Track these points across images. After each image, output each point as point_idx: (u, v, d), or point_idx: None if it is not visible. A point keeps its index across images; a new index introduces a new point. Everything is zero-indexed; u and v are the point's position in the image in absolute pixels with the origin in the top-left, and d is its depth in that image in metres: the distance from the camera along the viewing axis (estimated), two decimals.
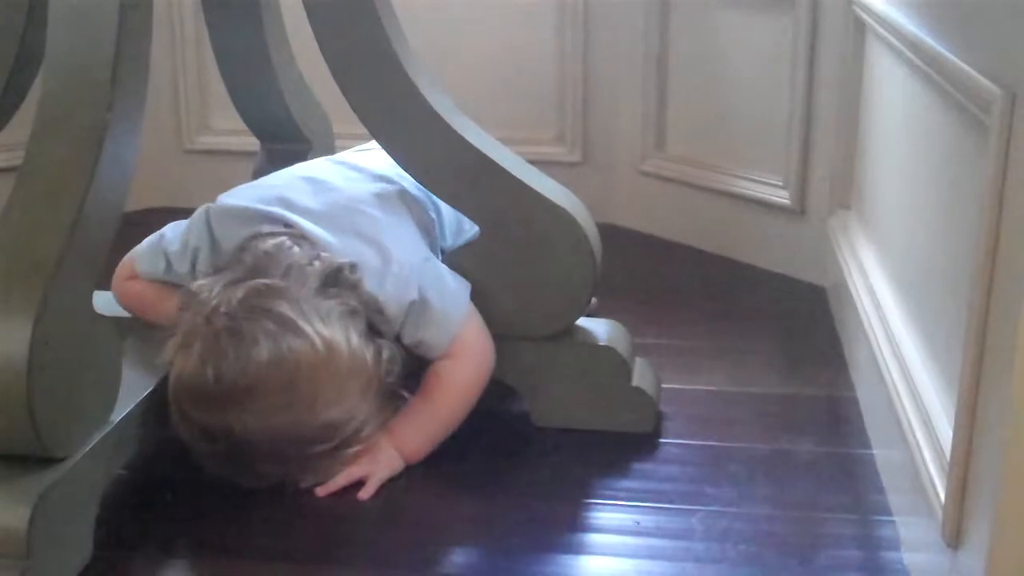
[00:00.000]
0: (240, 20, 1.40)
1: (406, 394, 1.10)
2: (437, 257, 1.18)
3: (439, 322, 1.11)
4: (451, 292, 1.13)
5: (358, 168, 1.23)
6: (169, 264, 1.15)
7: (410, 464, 1.11)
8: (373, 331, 1.07)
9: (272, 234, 1.10)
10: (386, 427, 1.09)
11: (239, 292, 1.03)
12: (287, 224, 1.11)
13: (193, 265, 1.13)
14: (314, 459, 1.05)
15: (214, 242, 1.13)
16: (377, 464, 1.08)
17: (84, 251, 0.91)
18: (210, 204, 1.16)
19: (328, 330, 1.02)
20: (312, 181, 1.18)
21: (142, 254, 1.17)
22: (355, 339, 1.04)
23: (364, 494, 1.06)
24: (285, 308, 1.02)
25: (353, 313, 1.06)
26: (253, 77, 1.43)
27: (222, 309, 1.02)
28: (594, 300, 1.47)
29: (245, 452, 1.02)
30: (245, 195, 1.17)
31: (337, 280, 1.06)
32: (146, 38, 0.97)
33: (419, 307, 1.10)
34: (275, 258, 1.07)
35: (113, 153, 0.92)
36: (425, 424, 1.12)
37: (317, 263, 1.07)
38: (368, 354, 1.05)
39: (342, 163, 1.25)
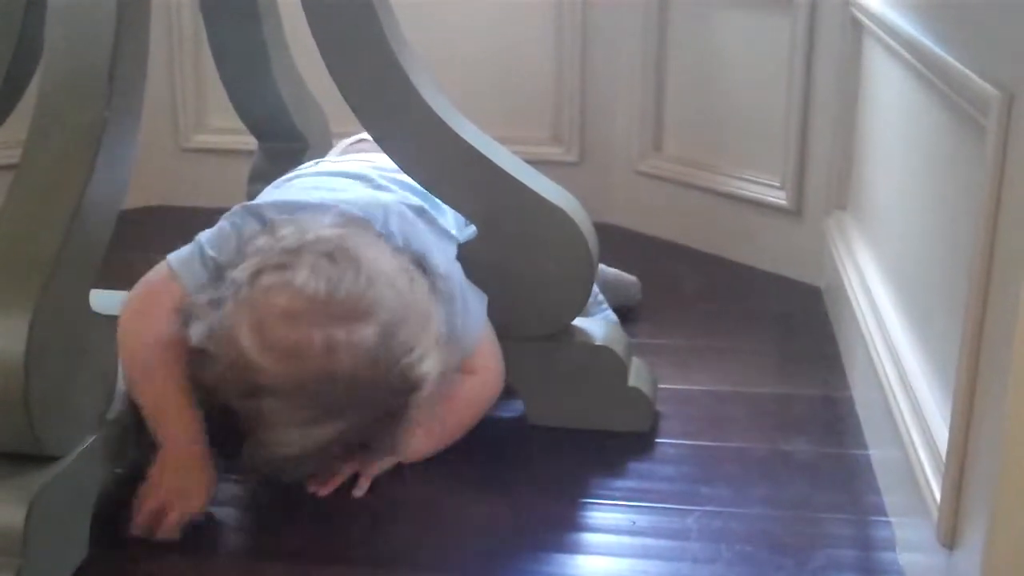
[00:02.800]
0: (238, 18, 1.40)
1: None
2: None
3: (459, 336, 1.09)
4: (473, 307, 1.13)
5: (361, 176, 1.20)
6: (216, 266, 1.04)
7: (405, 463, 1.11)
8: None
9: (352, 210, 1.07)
10: None
11: (350, 230, 1.00)
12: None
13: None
14: (376, 421, 0.99)
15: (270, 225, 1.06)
16: (370, 461, 1.07)
17: (81, 249, 0.91)
18: (243, 204, 1.10)
19: (425, 290, 1.01)
20: (334, 192, 1.15)
21: (182, 264, 1.05)
22: (442, 314, 1.02)
23: (359, 491, 1.06)
24: (393, 257, 1.00)
25: (434, 288, 1.03)
26: (251, 75, 1.43)
27: (336, 240, 0.98)
28: (635, 279, 1.50)
29: (332, 382, 0.94)
30: (281, 195, 1.13)
31: (420, 264, 1.04)
32: (144, 36, 0.97)
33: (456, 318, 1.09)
34: (365, 229, 1.04)
35: (110, 151, 0.92)
36: (429, 431, 1.09)
37: (401, 256, 1.04)
38: (445, 331, 1.02)
39: (342, 173, 1.22)
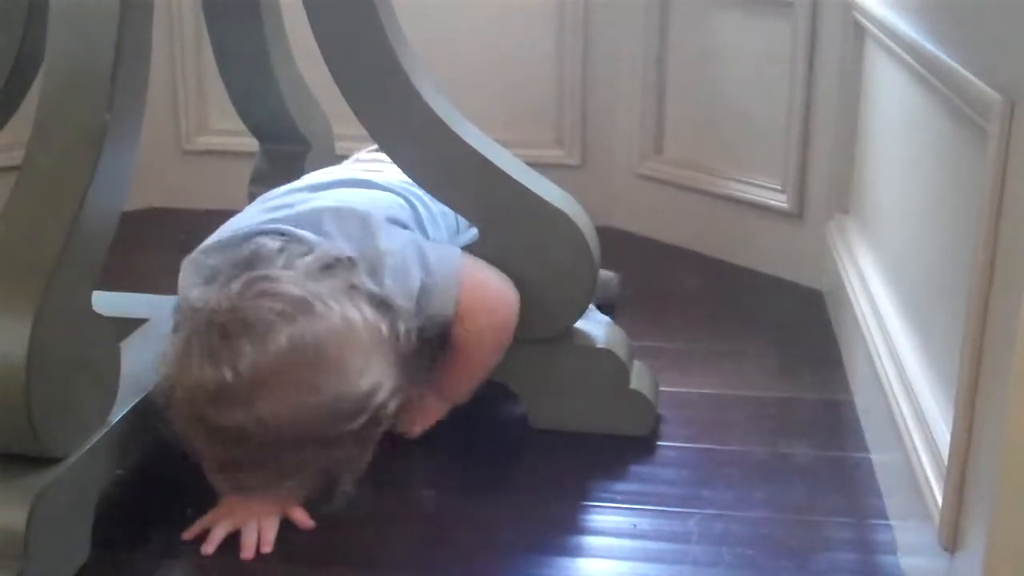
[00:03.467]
0: (240, 20, 1.40)
1: (427, 363, 1.06)
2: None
3: (433, 292, 1.08)
4: (437, 258, 1.11)
5: (317, 183, 1.20)
6: None
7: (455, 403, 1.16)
8: (383, 305, 1.03)
9: (259, 235, 1.06)
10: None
11: (236, 285, 0.99)
12: (280, 233, 1.07)
13: None
14: (346, 441, 0.98)
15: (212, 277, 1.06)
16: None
17: (83, 251, 0.91)
18: (189, 256, 1.10)
19: (335, 303, 0.98)
20: (285, 207, 1.14)
21: None
22: (367, 310, 1.00)
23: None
24: (291, 289, 0.98)
25: (354, 288, 1.01)
26: (252, 77, 1.43)
27: (223, 305, 0.97)
28: (613, 275, 1.49)
29: (280, 444, 0.96)
30: (219, 233, 1.12)
31: (335, 265, 1.03)
32: (146, 38, 0.97)
33: (421, 292, 1.07)
34: (265, 255, 1.03)
35: (112, 153, 0.92)
36: (459, 380, 1.14)
37: (311, 256, 1.03)
38: (383, 325, 1.01)
39: (301, 187, 1.21)
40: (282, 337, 0.96)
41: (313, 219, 1.09)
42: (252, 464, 0.98)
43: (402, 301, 1.05)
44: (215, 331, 0.97)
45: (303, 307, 0.97)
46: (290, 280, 0.99)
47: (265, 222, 1.10)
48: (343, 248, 1.06)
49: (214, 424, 0.96)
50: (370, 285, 1.04)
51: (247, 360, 0.95)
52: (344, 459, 1.00)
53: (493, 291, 1.14)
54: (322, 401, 0.96)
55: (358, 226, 1.09)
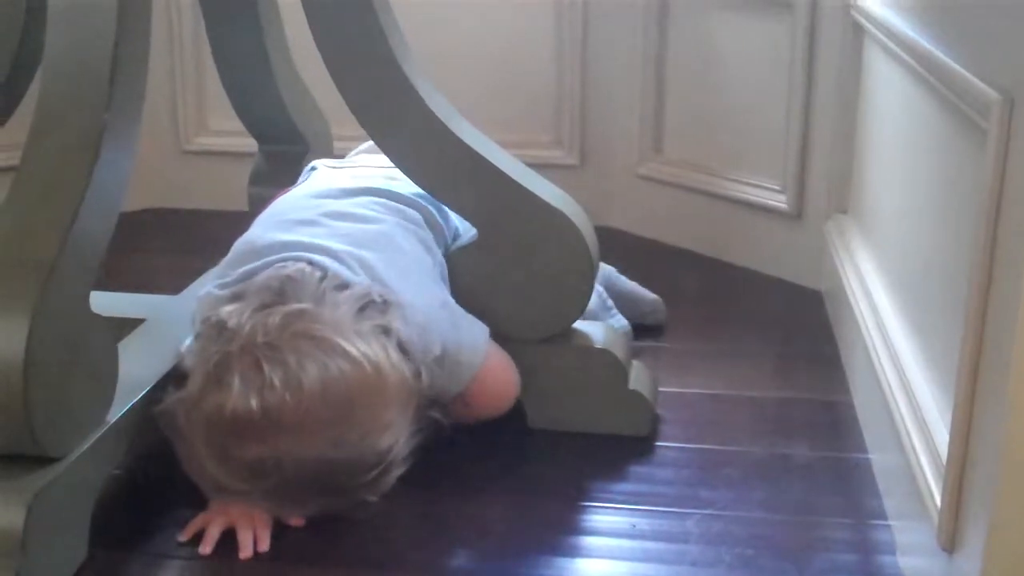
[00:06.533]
0: (238, 21, 1.40)
1: (437, 415, 1.04)
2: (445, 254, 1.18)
3: (453, 371, 1.08)
4: (468, 339, 1.11)
5: (341, 190, 1.19)
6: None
7: None
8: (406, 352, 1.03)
9: (293, 260, 1.05)
10: None
11: (275, 317, 0.97)
12: (309, 263, 1.05)
13: None
14: (357, 491, 0.99)
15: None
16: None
17: (81, 251, 0.91)
18: (207, 289, 1.08)
19: (371, 351, 0.98)
20: (312, 224, 1.12)
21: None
22: (395, 356, 0.99)
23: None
24: (328, 332, 0.97)
25: (387, 332, 1.01)
26: (251, 78, 1.43)
27: (259, 337, 0.96)
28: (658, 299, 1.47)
29: (296, 486, 0.96)
30: (238, 263, 1.09)
31: (369, 306, 1.02)
32: (144, 38, 0.97)
33: (438, 359, 1.06)
34: (302, 283, 1.02)
35: (111, 153, 0.92)
36: None
37: (348, 291, 1.03)
38: (410, 373, 1.01)
39: (326, 192, 1.20)
40: (316, 382, 0.95)
41: (335, 256, 1.07)
42: (258, 496, 0.99)
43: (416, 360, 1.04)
44: (248, 360, 0.95)
45: (339, 352, 0.96)
46: (329, 321, 0.99)
47: (292, 248, 1.07)
48: (378, 289, 1.05)
49: (229, 453, 0.95)
50: (404, 330, 1.03)
51: (276, 397, 0.94)
52: (350, 503, 1.00)
53: (503, 383, 1.15)
54: (345, 456, 0.96)
55: (390, 274, 1.08)
